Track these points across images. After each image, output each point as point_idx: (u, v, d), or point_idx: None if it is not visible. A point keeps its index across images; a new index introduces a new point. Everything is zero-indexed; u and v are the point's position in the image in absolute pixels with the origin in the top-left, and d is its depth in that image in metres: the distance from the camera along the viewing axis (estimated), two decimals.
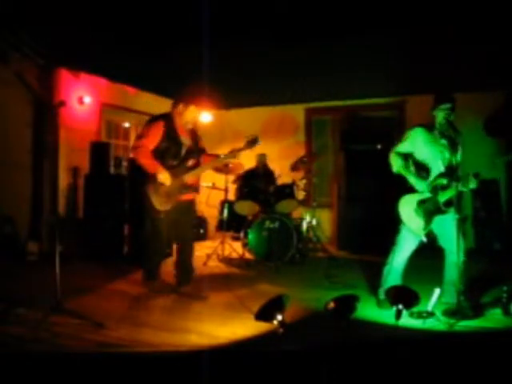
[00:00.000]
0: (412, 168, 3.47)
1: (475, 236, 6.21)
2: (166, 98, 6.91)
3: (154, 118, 3.88)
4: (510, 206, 6.15)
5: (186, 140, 3.87)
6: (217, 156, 4.05)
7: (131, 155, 4.00)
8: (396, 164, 3.46)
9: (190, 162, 3.88)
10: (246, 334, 3.01)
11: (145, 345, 2.84)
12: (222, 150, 8.21)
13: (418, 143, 3.42)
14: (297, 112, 7.74)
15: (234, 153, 3.78)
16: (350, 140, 6.61)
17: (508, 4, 3.66)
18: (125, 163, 6.03)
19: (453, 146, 3.39)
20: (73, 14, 3.99)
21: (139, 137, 3.83)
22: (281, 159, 6.84)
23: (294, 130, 7.79)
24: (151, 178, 3.76)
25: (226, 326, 3.20)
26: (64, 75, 5.74)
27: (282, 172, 6.23)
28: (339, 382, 2.26)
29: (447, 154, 3.38)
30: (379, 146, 6.28)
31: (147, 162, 3.73)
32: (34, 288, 4.00)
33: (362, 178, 6.29)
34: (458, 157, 3.40)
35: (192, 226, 4.12)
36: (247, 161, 6.43)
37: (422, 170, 3.46)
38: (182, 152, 3.84)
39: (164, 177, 3.69)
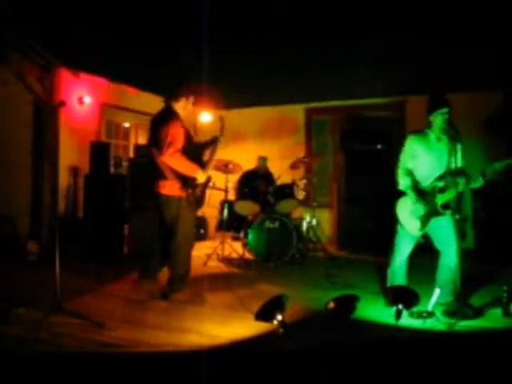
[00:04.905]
0: (416, 187, 3.46)
1: (475, 236, 6.20)
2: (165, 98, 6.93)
3: (169, 119, 3.50)
4: (510, 206, 6.14)
5: (192, 134, 3.69)
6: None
7: (168, 163, 3.44)
8: (404, 182, 3.48)
9: (206, 156, 3.67)
10: (246, 334, 3.01)
11: (145, 345, 2.84)
12: (222, 150, 8.16)
13: (416, 151, 3.46)
14: (297, 112, 7.73)
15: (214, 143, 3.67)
16: (350, 140, 6.60)
17: (507, 3, 3.67)
18: (125, 163, 6.04)
19: (451, 148, 3.34)
20: (73, 14, 3.99)
21: (169, 143, 3.41)
22: (281, 159, 6.84)
23: (293, 130, 7.78)
24: (189, 181, 3.47)
25: (225, 325, 3.20)
26: (64, 75, 5.74)
27: (282, 172, 6.23)
28: (339, 382, 2.25)
29: (445, 157, 3.38)
30: (379, 146, 6.29)
31: (187, 166, 3.45)
32: (34, 288, 4.00)
33: (362, 178, 6.29)
34: (458, 158, 3.39)
35: (175, 222, 3.61)
36: (248, 162, 6.43)
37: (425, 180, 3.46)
38: (193, 147, 3.63)
39: (202, 174, 3.50)
